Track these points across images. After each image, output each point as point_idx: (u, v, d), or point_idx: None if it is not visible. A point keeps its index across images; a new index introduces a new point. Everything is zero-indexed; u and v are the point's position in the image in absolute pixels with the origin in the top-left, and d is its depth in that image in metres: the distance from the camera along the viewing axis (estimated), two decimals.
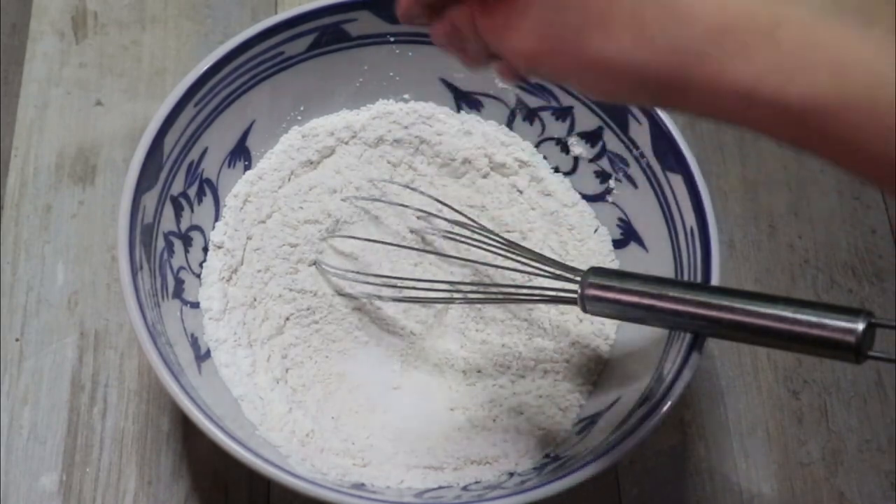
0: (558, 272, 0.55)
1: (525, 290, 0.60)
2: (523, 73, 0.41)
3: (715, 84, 0.32)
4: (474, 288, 0.62)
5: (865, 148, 0.30)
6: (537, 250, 0.62)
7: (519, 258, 0.58)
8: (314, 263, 0.61)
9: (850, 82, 0.30)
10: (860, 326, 0.44)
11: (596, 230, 0.63)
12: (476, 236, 0.60)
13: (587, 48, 0.35)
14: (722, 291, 0.50)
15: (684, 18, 0.32)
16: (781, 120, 0.32)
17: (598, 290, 0.52)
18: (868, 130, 0.30)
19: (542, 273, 0.57)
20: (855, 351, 0.44)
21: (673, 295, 0.50)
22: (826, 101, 0.30)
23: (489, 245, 0.59)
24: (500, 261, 0.60)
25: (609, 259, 0.63)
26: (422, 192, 0.64)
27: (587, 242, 0.63)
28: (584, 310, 0.53)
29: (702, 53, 0.32)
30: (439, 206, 0.63)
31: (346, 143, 0.65)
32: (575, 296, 0.53)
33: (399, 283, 0.61)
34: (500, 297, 0.60)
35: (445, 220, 0.62)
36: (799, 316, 0.46)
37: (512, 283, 0.61)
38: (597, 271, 0.53)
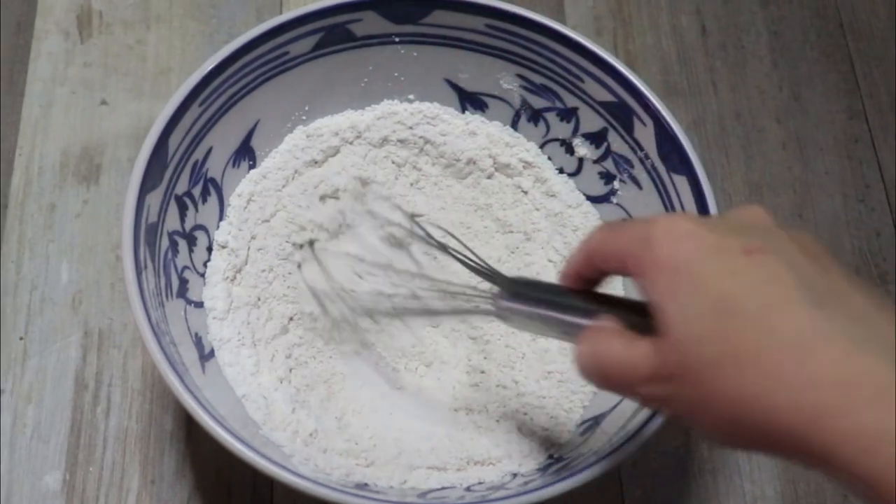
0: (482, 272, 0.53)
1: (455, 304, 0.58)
2: (645, 394, 0.40)
3: (835, 436, 0.33)
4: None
5: None
6: (541, 251, 0.63)
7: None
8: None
9: None
10: None
11: None
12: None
13: (720, 386, 0.36)
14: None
15: (811, 367, 0.34)
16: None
17: (511, 301, 0.49)
18: None
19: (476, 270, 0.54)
20: None
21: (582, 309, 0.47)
22: None
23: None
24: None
25: None
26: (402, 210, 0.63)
27: None
28: (500, 317, 0.50)
29: (825, 405, 0.33)
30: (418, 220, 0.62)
31: (351, 143, 0.65)
32: (491, 308, 0.50)
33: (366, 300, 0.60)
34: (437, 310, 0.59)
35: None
36: None
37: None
38: (514, 281, 0.50)
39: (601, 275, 0.45)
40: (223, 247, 0.60)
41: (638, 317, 0.42)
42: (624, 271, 0.42)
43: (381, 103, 0.66)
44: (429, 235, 0.57)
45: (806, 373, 0.34)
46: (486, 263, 0.53)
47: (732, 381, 0.35)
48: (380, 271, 0.61)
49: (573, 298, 0.46)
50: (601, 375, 0.42)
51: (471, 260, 0.53)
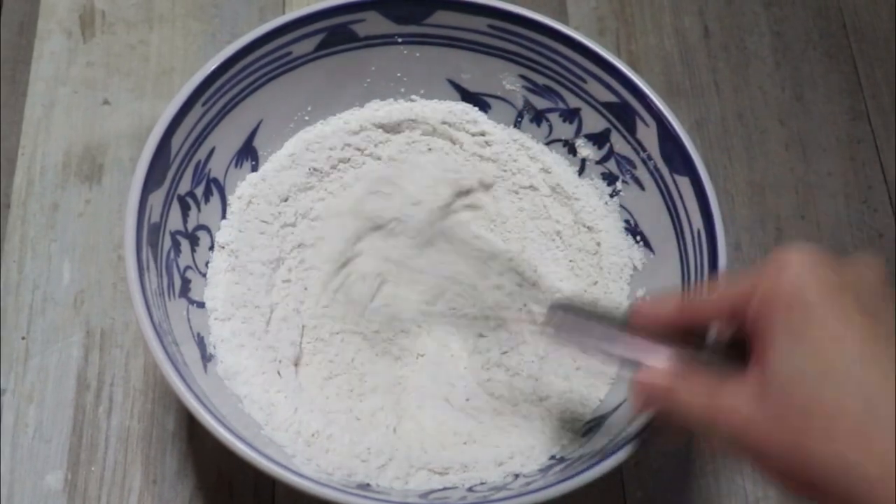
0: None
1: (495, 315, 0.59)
2: (719, 443, 0.42)
3: None
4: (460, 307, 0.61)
5: None
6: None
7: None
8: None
9: None
10: None
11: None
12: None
13: (812, 444, 0.37)
14: None
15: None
16: None
17: (562, 325, 0.50)
18: None
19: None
20: None
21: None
22: None
23: None
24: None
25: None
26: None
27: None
28: (549, 343, 0.52)
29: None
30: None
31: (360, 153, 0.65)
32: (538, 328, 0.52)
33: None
34: (468, 322, 0.60)
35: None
36: None
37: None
38: (561, 305, 0.50)
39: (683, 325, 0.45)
40: (224, 247, 0.60)
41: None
42: (734, 313, 0.42)
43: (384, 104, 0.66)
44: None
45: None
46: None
47: (826, 436, 0.36)
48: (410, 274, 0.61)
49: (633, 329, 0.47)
50: (679, 416, 0.43)
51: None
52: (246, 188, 0.62)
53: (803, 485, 0.38)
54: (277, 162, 0.63)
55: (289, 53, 0.61)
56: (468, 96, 0.66)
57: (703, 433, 0.42)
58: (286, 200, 0.63)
